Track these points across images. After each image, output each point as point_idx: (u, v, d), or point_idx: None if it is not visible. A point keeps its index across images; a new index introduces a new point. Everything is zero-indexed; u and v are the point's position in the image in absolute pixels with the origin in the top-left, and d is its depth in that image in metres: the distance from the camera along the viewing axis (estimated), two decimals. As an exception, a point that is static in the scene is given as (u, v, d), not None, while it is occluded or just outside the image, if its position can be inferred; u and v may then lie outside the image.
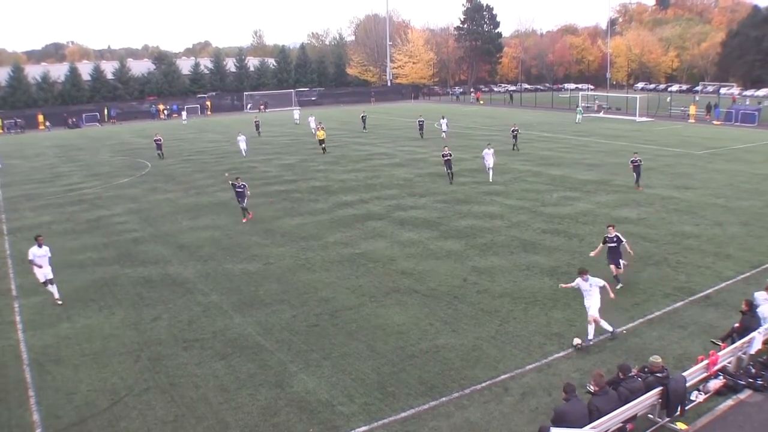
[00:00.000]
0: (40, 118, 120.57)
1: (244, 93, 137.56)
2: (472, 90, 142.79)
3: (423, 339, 19.59)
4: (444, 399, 16.21)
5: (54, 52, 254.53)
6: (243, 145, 62.47)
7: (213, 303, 23.83)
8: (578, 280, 19.32)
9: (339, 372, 17.86)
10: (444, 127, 69.87)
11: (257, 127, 79.88)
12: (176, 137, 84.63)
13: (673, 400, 15.02)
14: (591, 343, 18.89)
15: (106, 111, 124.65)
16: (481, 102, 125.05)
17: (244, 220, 35.50)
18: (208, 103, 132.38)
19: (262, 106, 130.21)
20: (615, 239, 23.22)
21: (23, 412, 17.00)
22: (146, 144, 79.01)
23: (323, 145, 61.98)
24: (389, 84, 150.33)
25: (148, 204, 42.22)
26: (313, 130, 73.52)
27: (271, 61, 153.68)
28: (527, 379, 17.12)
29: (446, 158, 43.71)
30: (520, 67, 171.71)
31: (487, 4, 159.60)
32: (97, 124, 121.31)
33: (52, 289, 24.66)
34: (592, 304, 19.00)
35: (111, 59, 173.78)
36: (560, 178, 44.12)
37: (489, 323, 20.57)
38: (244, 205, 35.97)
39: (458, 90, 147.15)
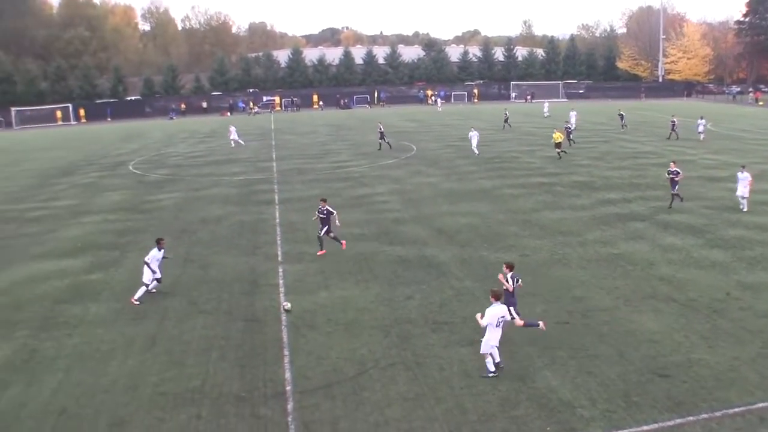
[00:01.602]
0: (315, 97, 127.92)
1: (511, 82, 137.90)
2: (750, 89, 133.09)
3: (676, 351, 18.63)
4: (691, 418, 15.29)
5: (330, 37, 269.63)
6: (474, 141, 56.96)
7: (466, 288, 24.10)
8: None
9: (584, 373, 17.43)
10: (701, 129, 64.16)
11: (506, 119, 79.61)
12: (443, 123, 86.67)
13: None
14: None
15: (375, 94, 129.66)
16: (761, 103, 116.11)
17: (320, 253, 28.51)
18: (476, 90, 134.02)
19: (528, 96, 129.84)
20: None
21: (277, 368, 18.25)
22: (413, 128, 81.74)
23: (558, 150, 54.07)
24: (660, 80, 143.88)
25: (410, 186, 43.51)
26: (571, 125, 71.35)
27: (540, 52, 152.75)
28: (789, 410, 15.78)
29: (672, 176, 35.53)
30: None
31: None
32: (367, 106, 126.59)
33: (151, 286, 24.16)
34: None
35: (383, 45, 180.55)
36: None
37: (750, 344, 19.07)
38: (322, 234, 28.56)
39: (735, 89, 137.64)
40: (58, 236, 33.87)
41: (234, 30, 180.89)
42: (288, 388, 17.11)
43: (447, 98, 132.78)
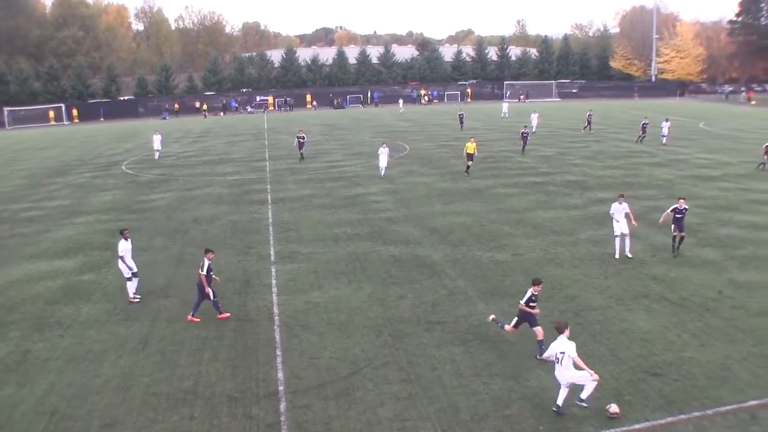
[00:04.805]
0: (308, 97, 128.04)
1: (505, 82, 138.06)
2: (743, 89, 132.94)
3: (668, 350, 18.68)
4: (683, 416, 15.34)
5: (323, 37, 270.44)
6: (384, 160, 47.17)
7: (459, 288, 24.14)
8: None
9: (577, 372, 17.47)
10: (665, 131, 61.83)
11: (461, 120, 79.27)
12: (436, 123, 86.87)
13: None
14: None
15: (369, 94, 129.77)
16: (753, 102, 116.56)
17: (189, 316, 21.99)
18: (469, 90, 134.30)
19: (522, 96, 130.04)
20: None
21: (269, 368, 18.27)
22: (406, 127, 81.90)
23: (469, 163, 47.86)
24: (653, 79, 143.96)
25: (403, 185, 43.54)
26: (533, 128, 68.70)
27: (533, 51, 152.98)
28: (780, 408, 15.83)
29: (679, 216, 27.20)
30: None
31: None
32: (360, 105, 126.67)
33: (134, 282, 23.84)
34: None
35: (376, 44, 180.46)
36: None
37: (742, 342, 19.15)
38: (213, 298, 22.01)
39: (727, 88, 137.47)
40: (51, 237, 33.78)
41: (228, 30, 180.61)
42: (281, 388, 17.12)
43: (440, 98, 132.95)
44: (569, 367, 15.48)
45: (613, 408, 15.35)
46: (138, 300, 23.67)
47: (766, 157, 45.95)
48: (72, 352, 19.72)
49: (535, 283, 18.35)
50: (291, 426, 15.38)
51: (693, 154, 54.58)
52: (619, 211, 27.29)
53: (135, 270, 23.93)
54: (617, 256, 27.32)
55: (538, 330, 18.24)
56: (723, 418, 15.23)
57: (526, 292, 18.43)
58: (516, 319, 18.56)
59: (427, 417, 15.56)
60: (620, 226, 27.15)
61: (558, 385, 15.70)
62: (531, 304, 18.29)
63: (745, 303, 22.04)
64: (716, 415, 15.36)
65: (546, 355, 16.22)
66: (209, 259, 21.89)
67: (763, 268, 25.62)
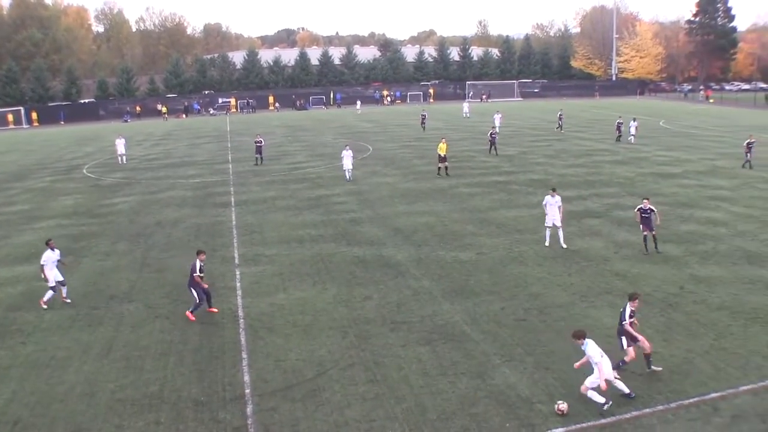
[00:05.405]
0: (271, 99, 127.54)
1: (467, 82, 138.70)
2: (701, 87, 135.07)
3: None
4: (647, 410, 15.54)
5: (285, 38, 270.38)
6: (349, 162, 46.82)
7: (423, 288, 24.22)
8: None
9: (542, 369, 17.62)
10: (633, 131, 62.67)
11: (423, 121, 78.69)
12: (399, 123, 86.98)
13: None
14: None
15: (332, 95, 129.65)
16: (711, 101, 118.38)
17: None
18: (432, 90, 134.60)
19: (484, 96, 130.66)
20: None
21: (235, 372, 18.20)
22: (369, 128, 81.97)
23: (444, 164, 46.76)
24: (614, 78, 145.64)
25: (367, 186, 43.57)
26: (497, 128, 65.55)
27: (495, 51, 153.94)
28: (740, 401, 16.01)
29: (645, 215, 27.56)
30: (756, 65, 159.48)
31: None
32: (323, 107, 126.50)
33: (51, 293, 23.78)
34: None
35: (339, 45, 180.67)
36: (796, 188, 40.79)
37: (703, 336, 19.48)
38: (201, 303, 22.40)
39: (686, 87, 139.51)
40: (12, 242, 33.29)
41: (189, 31, 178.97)
42: (247, 391, 17.06)
43: (403, 98, 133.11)
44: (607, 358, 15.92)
45: (563, 405, 15.54)
46: (46, 308, 23.49)
47: (749, 155, 46.47)
48: (34, 359, 19.45)
49: (632, 298, 17.61)
50: (258, 429, 15.32)
51: (653, 152, 55.27)
52: (551, 204, 28.93)
53: (62, 279, 23.86)
54: (546, 244, 28.97)
55: (645, 343, 17.48)
56: (686, 411, 15.47)
57: (624, 311, 17.51)
58: (624, 340, 17.53)
59: (394, 417, 15.60)
60: (551, 218, 28.98)
61: (616, 380, 16.04)
62: (632, 319, 17.46)
63: (706, 298, 22.39)
64: (679, 408, 15.60)
65: (593, 358, 15.86)
66: (201, 261, 22.23)
67: (723, 263, 26.04)
